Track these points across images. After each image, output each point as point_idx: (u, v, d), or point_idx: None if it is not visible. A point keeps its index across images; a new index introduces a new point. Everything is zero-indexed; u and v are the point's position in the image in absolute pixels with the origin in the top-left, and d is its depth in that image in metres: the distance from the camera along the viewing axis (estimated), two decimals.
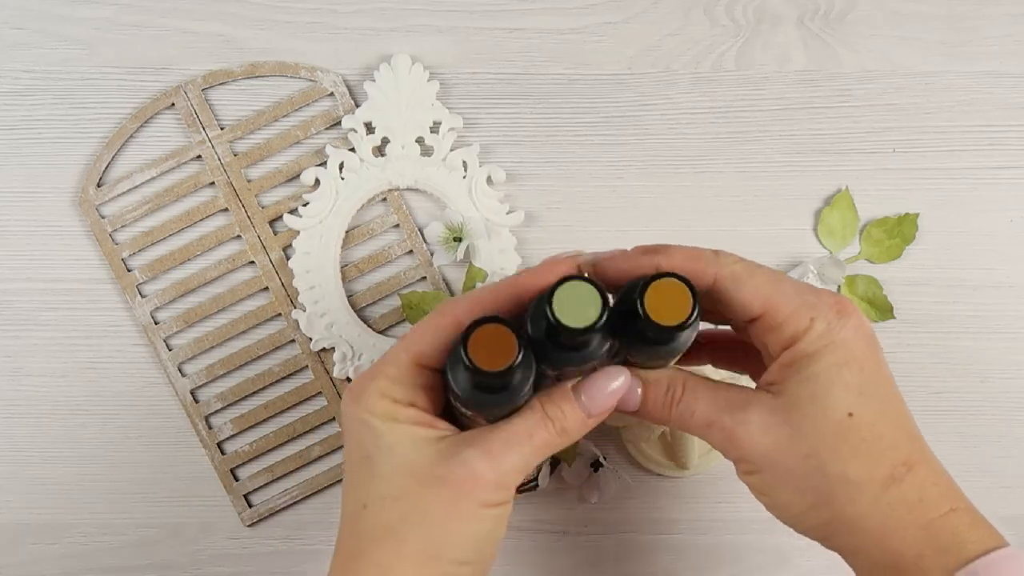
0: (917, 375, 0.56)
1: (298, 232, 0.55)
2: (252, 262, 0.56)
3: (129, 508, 0.56)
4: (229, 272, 0.56)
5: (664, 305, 0.38)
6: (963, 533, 0.41)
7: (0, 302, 0.55)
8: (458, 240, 0.54)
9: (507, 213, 0.55)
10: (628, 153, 0.56)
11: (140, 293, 0.55)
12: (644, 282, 0.38)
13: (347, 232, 0.55)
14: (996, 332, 0.56)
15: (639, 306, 0.38)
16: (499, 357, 0.38)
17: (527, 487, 0.55)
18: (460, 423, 0.43)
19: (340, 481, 0.56)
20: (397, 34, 0.56)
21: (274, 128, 0.56)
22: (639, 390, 0.44)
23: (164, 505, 0.56)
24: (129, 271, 0.55)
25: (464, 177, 0.55)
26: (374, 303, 0.56)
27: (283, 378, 0.56)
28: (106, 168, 0.55)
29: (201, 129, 0.55)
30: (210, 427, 0.55)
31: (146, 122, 0.55)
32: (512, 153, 0.56)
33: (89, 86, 0.55)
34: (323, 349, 0.55)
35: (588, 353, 0.40)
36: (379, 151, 0.55)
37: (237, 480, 0.56)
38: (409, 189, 0.56)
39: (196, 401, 0.55)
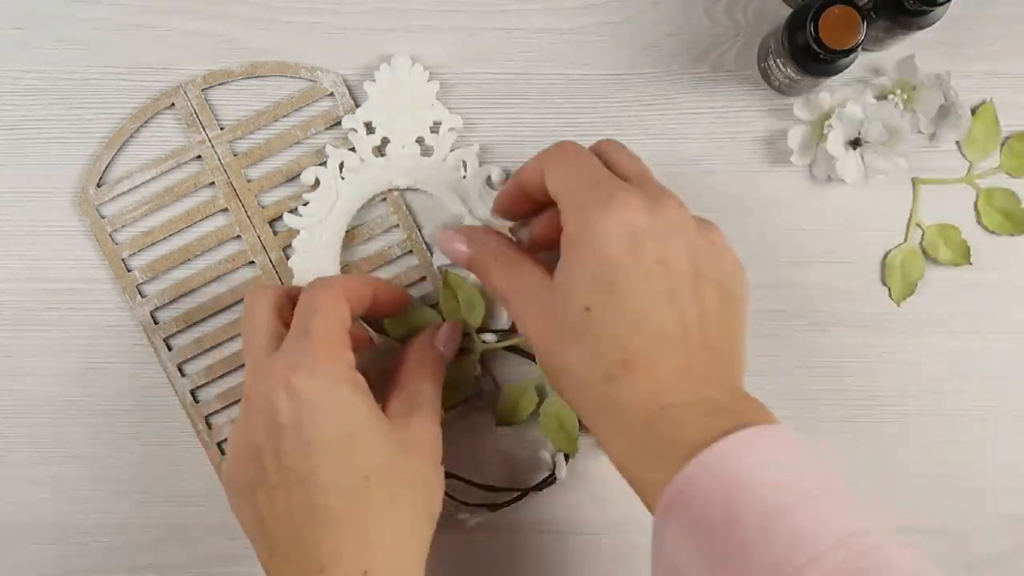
0: (919, 375, 0.56)
1: (298, 232, 0.55)
2: (252, 262, 0.55)
3: (129, 508, 0.56)
4: (229, 272, 0.56)
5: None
6: (671, 432, 0.40)
7: (0, 302, 0.55)
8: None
9: None
10: None
11: (140, 293, 0.55)
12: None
13: (347, 232, 0.55)
14: (997, 332, 0.56)
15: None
16: (845, 35, 0.47)
17: (547, 482, 0.55)
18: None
19: None
20: (397, 34, 0.55)
21: (274, 128, 0.55)
22: (464, 248, 0.49)
23: (164, 505, 0.56)
24: (129, 271, 0.55)
25: (464, 177, 0.55)
26: None
27: None
28: (106, 168, 0.55)
29: (201, 129, 0.55)
30: (210, 427, 0.55)
31: (146, 122, 0.55)
32: (512, 153, 0.56)
33: (89, 86, 0.55)
34: None
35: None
36: (379, 151, 0.55)
37: None
38: (409, 189, 0.55)
39: (196, 401, 0.55)
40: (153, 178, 0.55)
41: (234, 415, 0.55)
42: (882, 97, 0.54)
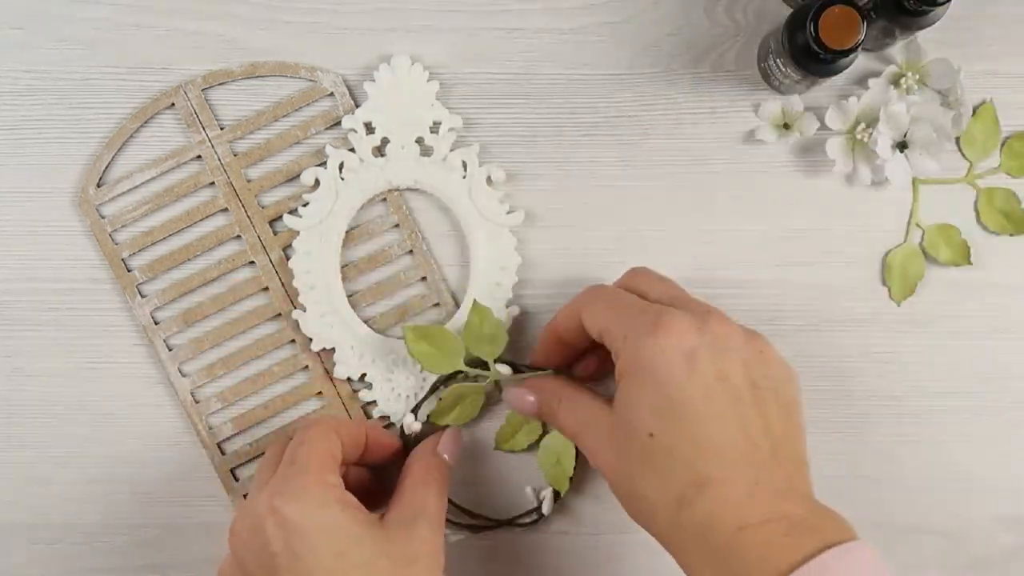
0: (919, 375, 0.56)
1: (298, 232, 0.55)
2: (252, 262, 0.55)
3: (129, 508, 0.56)
4: (229, 272, 0.55)
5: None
6: (754, 556, 0.40)
7: (0, 302, 0.55)
8: (787, 128, 0.54)
9: (507, 213, 0.55)
10: (628, 153, 0.56)
11: (140, 293, 0.55)
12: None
13: (347, 232, 0.55)
14: (998, 332, 0.56)
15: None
16: (845, 35, 0.47)
17: (531, 515, 0.55)
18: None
19: None
20: (397, 34, 0.55)
21: (274, 128, 0.55)
22: (531, 399, 0.51)
23: (164, 505, 0.56)
24: (129, 271, 0.55)
25: (464, 177, 0.55)
26: (374, 303, 0.56)
27: (283, 378, 0.56)
28: (106, 168, 0.55)
29: (201, 129, 0.55)
30: (210, 427, 0.55)
31: (146, 122, 0.55)
32: (512, 153, 0.56)
33: (89, 86, 0.55)
34: (323, 349, 0.55)
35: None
36: (379, 151, 0.55)
37: (237, 480, 0.56)
38: (409, 189, 0.55)
39: (196, 401, 0.55)
40: (153, 178, 0.55)
41: (233, 415, 0.55)
42: (895, 82, 0.54)
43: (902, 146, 0.53)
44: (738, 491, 0.41)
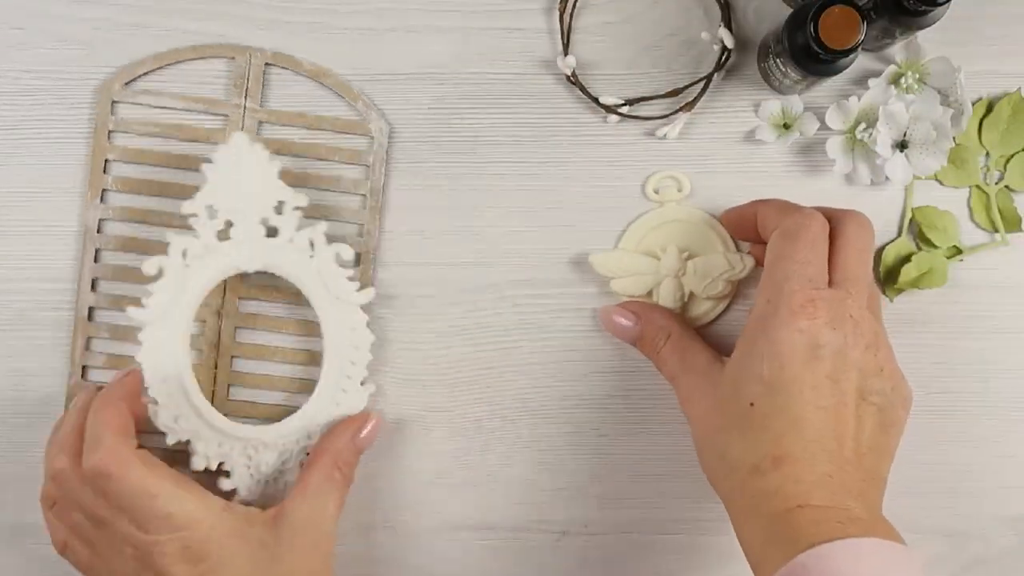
0: (917, 375, 0.56)
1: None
2: None
3: None
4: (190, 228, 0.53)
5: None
6: (804, 528, 0.42)
7: (0, 302, 0.55)
8: (787, 127, 0.55)
9: (357, 291, 0.53)
10: (629, 153, 0.56)
11: (101, 198, 0.55)
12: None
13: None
14: (997, 332, 0.56)
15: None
16: (845, 35, 0.47)
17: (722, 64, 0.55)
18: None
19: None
20: (397, 34, 0.55)
21: (305, 135, 0.55)
22: (629, 323, 0.52)
23: None
24: (104, 173, 0.55)
25: (312, 257, 0.53)
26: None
27: None
28: (142, 76, 0.55)
29: (243, 95, 0.55)
30: (88, 348, 0.55)
31: (201, 59, 0.55)
32: (513, 153, 0.55)
33: (89, 86, 0.55)
34: (178, 441, 0.52)
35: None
36: (224, 235, 0.52)
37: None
38: (258, 273, 0.53)
39: (90, 320, 0.55)
40: (176, 109, 0.55)
41: (113, 350, 0.55)
42: (895, 82, 0.54)
43: (902, 145, 0.53)
44: (810, 476, 0.43)
